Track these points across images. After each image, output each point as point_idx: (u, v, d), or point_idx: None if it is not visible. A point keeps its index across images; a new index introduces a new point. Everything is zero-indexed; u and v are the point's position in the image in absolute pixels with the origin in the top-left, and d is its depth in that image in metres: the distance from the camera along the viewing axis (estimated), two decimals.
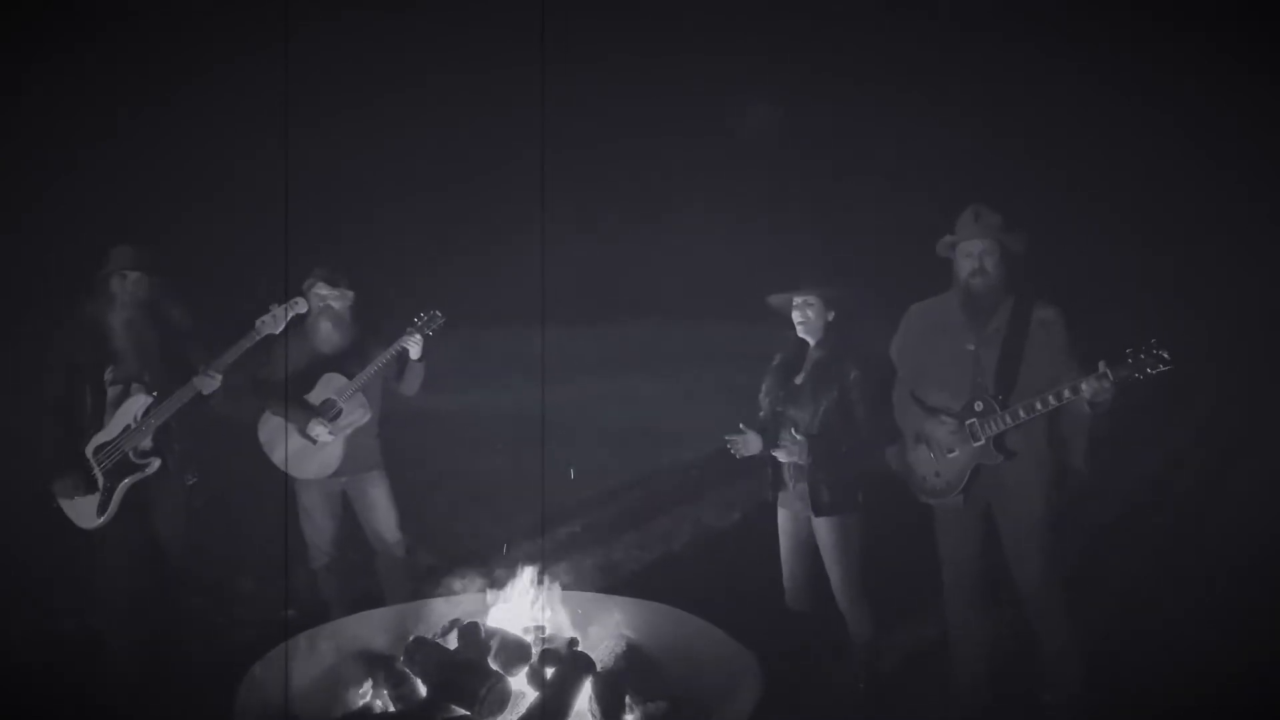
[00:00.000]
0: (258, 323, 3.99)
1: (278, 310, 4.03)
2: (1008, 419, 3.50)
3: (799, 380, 4.00)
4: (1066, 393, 3.39)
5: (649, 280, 13.70)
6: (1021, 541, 3.66)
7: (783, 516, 4.10)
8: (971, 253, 3.63)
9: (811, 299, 3.93)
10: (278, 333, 4.03)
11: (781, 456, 3.94)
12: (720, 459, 4.27)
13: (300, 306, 4.13)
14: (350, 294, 4.35)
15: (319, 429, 4.21)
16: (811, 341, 4.00)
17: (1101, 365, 3.32)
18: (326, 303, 4.31)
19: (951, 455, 3.64)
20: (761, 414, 4.10)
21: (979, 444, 3.57)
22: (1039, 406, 3.45)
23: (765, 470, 4.09)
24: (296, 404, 4.25)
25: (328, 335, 4.32)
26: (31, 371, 4.05)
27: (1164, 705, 3.85)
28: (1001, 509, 3.68)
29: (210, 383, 3.91)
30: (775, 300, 4.04)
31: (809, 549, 4.04)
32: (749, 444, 4.01)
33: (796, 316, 3.96)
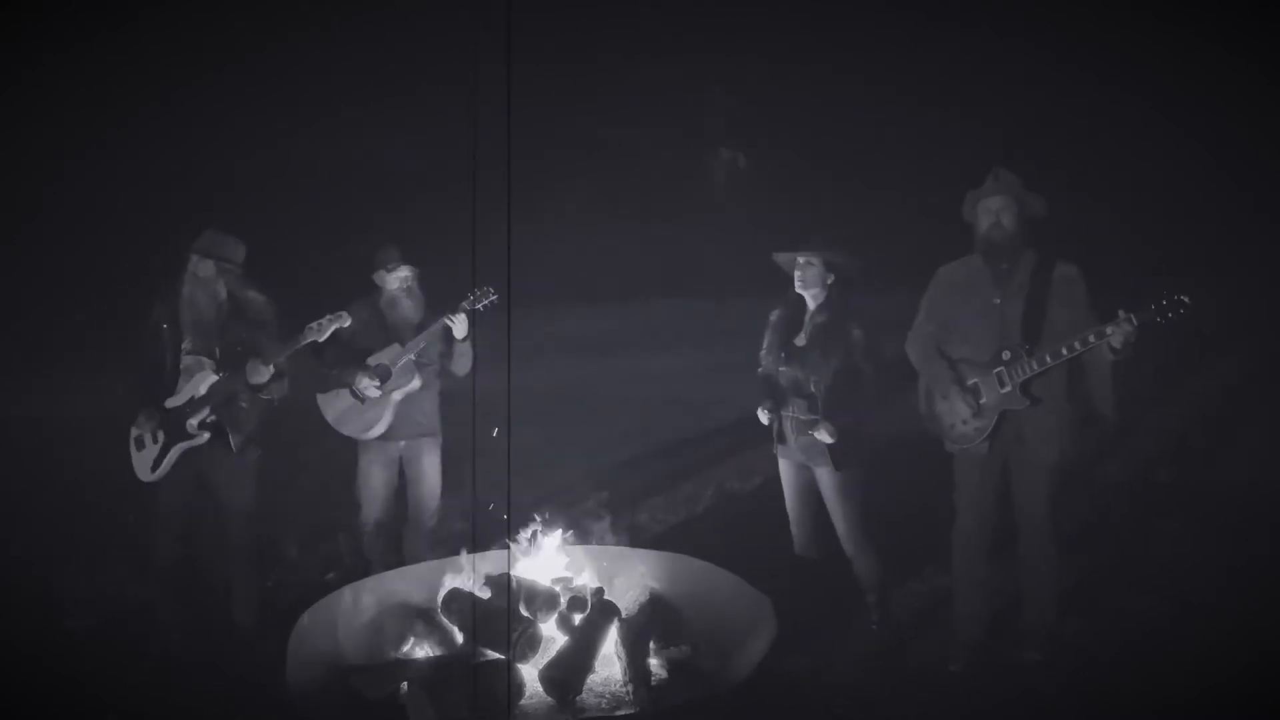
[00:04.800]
0: (305, 328, 4.32)
1: (324, 321, 4.34)
2: (1034, 365, 3.73)
3: (800, 342, 4.17)
4: (1091, 338, 3.59)
5: (673, 262, 13.86)
6: (1031, 488, 3.86)
7: (784, 467, 4.32)
8: (990, 209, 3.87)
9: (814, 260, 4.12)
10: (321, 340, 4.36)
11: (823, 438, 4.02)
12: (742, 427, 4.44)
13: (345, 320, 4.41)
14: (417, 270, 4.63)
15: (365, 381, 4.48)
16: (812, 303, 4.18)
17: (1121, 313, 3.51)
18: (408, 282, 4.59)
19: (982, 402, 3.85)
20: (761, 369, 4.30)
21: (1006, 390, 3.78)
22: (1064, 352, 3.67)
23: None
24: (353, 364, 4.54)
25: (409, 311, 4.60)
26: (132, 340, 4.39)
27: (1151, 665, 3.94)
28: (1019, 458, 3.87)
29: (259, 375, 4.21)
30: (780, 258, 4.23)
31: (812, 498, 4.25)
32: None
33: (797, 274, 4.15)
